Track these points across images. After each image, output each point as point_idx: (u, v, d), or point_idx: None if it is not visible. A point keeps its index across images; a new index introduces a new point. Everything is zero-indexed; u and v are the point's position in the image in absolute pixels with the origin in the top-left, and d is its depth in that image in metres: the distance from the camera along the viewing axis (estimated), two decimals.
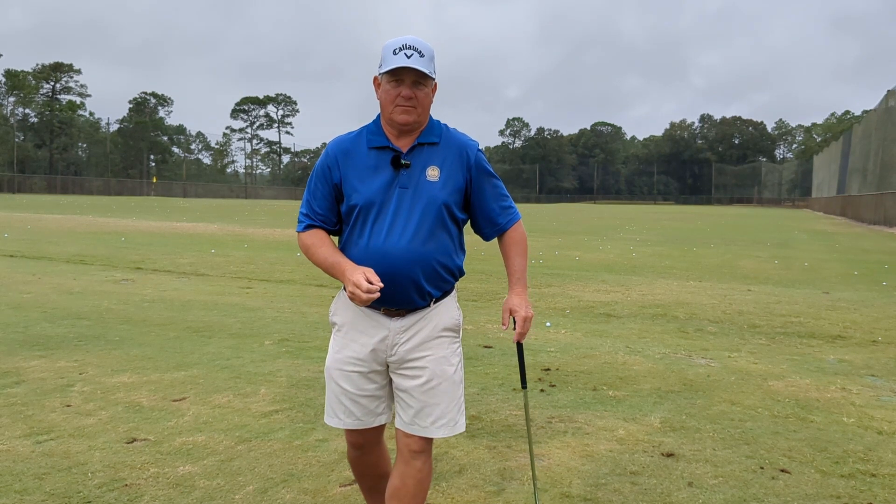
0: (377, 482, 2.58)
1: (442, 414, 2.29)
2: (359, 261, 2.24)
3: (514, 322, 2.39)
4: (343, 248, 2.34)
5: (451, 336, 2.36)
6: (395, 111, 2.21)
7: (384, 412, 2.40)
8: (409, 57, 2.15)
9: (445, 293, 2.37)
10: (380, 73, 2.24)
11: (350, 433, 2.43)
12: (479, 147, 2.40)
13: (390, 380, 2.38)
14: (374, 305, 2.28)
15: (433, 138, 2.30)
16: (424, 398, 2.28)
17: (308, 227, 2.36)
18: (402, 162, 2.24)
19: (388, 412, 2.42)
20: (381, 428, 2.45)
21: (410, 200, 2.24)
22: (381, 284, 2.13)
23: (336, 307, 2.41)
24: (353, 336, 2.34)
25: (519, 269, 2.41)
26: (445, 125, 2.38)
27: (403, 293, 2.25)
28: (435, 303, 2.34)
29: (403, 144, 2.28)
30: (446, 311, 2.36)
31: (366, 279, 2.11)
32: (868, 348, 6.40)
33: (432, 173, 2.27)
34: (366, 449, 2.47)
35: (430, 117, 2.33)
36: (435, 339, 2.32)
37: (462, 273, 2.42)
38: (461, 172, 2.31)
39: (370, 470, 2.55)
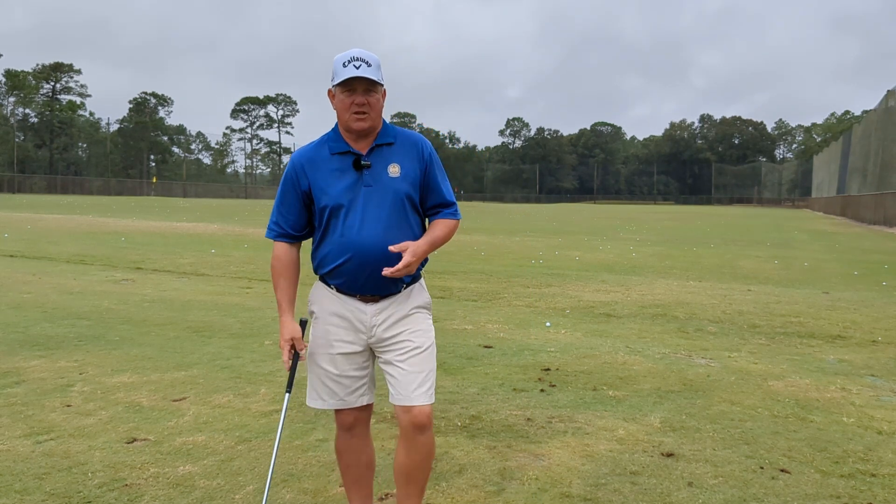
0: (363, 472, 2.70)
1: (423, 381, 2.48)
2: (336, 254, 2.47)
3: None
4: (320, 244, 2.53)
5: (424, 312, 2.60)
6: (351, 118, 2.42)
7: (366, 393, 2.60)
8: (357, 68, 2.37)
9: (414, 279, 2.59)
10: (333, 86, 2.45)
11: (341, 415, 2.60)
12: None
13: (372, 362, 2.60)
14: (350, 293, 2.51)
15: (388, 139, 2.52)
16: (407, 367, 2.48)
17: (277, 236, 2.58)
18: (363, 163, 2.45)
19: (370, 394, 2.62)
20: (368, 409, 2.63)
21: (376, 196, 2.45)
22: (289, 365, 2.53)
23: (313, 297, 2.61)
24: (332, 321, 2.54)
25: (437, 236, 2.54)
26: (397, 126, 2.60)
27: (378, 281, 2.46)
28: (405, 287, 2.55)
29: (362, 147, 2.49)
30: (417, 293, 2.59)
31: (288, 350, 2.52)
32: (868, 348, 6.40)
33: (393, 170, 2.49)
34: (355, 430, 2.62)
35: (383, 120, 2.55)
36: (409, 315, 2.54)
37: (427, 260, 2.59)
38: (418, 165, 2.54)
39: (357, 457, 2.66)
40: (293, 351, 2.53)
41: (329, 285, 2.55)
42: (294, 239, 2.57)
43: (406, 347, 2.49)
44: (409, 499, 2.60)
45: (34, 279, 9.71)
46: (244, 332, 6.50)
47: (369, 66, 2.38)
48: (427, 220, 2.66)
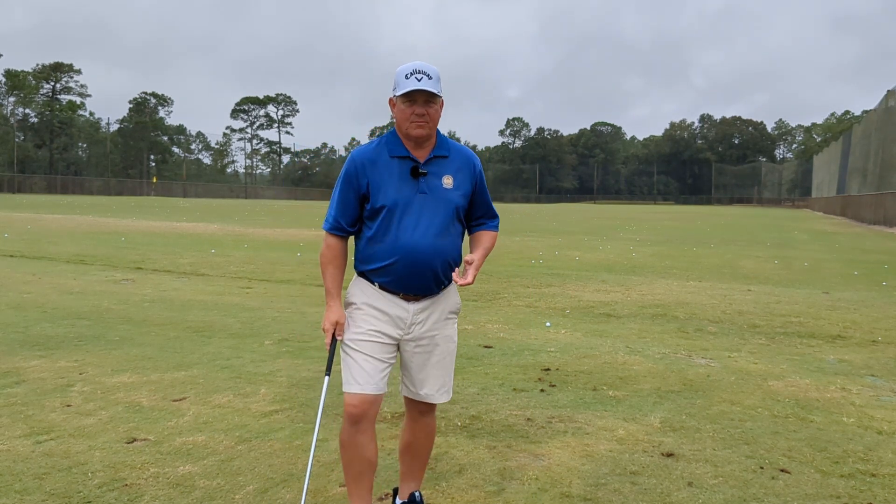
0: (365, 468, 2.75)
1: (444, 383, 2.77)
2: (387, 253, 2.60)
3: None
4: (370, 242, 2.65)
5: (454, 318, 2.82)
6: (411, 127, 2.57)
7: (384, 381, 2.70)
8: (419, 80, 2.52)
9: (450, 280, 2.75)
10: (394, 96, 2.59)
11: (350, 406, 2.65)
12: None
13: (395, 355, 2.74)
14: (395, 291, 2.65)
15: (444, 152, 2.69)
16: (431, 370, 2.73)
17: (333, 228, 2.71)
18: (421, 171, 2.61)
19: (386, 384, 2.72)
20: (377, 403, 2.70)
21: (431, 203, 2.62)
22: (329, 346, 2.69)
23: (354, 290, 2.74)
24: (373, 313, 2.67)
25: (487, 248, 2.80)
26: (450, 139, 2.77)
27: (425, 282, 2.64)
28: (444, 288, 2.74)
29: (419, 155, 2.64)
30: (452, 296, 2.79)
31: (331, 334, 2.66)
32: (868, 348, 6.40)
33: (447, 181, 2.66)
34: (361, 425, 2.68)
35: (438, 132, 2.69)
36: (444, 320, 2.75)
37: (460, 263, 2.78)
38: (469, 181, 2.73)
39: (361, 451, 2.71)
40: (334, 336, 2.68)
41: (372, 282, 2.66)
42: (346, 234, 2.71)
43: (436, 351, 2.72)
44: (412, 473, 2.91)
45: (34, 279, 9.71)
46: (244, 332, 6.50)
47: (430, 78, 2.54)
48: (469, 230, 2.86)
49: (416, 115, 2.54)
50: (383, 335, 2.66)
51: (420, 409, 2.81)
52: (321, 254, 2.74)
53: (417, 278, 2.61)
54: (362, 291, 2.69)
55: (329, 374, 2.76)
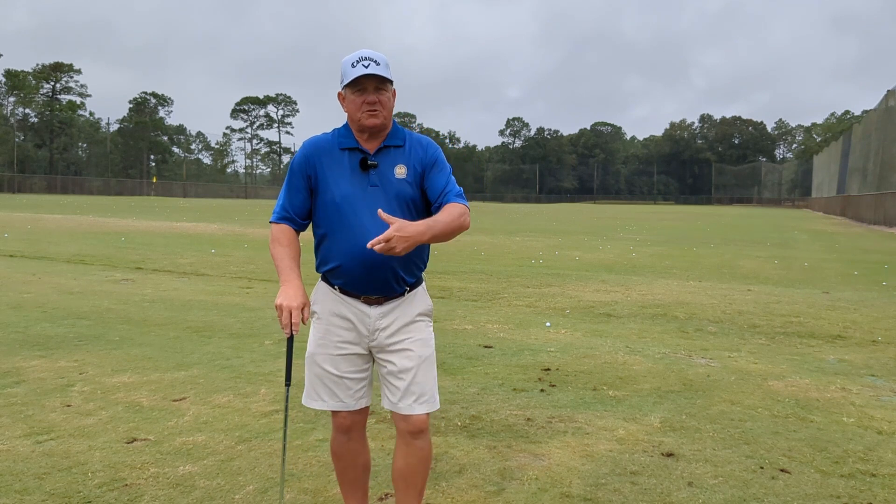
0: (359, 474, 2.69)
1: (423, 392, 2.48)
2: (340, 252, 2.44)
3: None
4: (323, 240, 2.50)
5: (426, 320, 2.57)
6: (364, 117, 2.40)
7: (364, 396, 2.58)
8: (366, 67, 2.35)
9: (417, 281, 2.57)
10: (343, 88, 2.44)
11: (339, 417, 2.56)
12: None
13: (371, 365, 2.58)
14: (355, 293, 2.48)
15: (398, 141, 2.50)
16: (408, 377, 2.47)
17: (281, 218, 2.53)
18: (370, 163, 2.44)
19: (368, 396, 2.60)
20: (365, 411, 2.61)
21: (382, 196, 2.43)
22: (298, 330, 2.38)
23: (315, 297, 2.57)
24: (335, 321, 2.50)
25: (437, 220, 2.33)
26: (408, 130, 2.59)
27: (383, 281, 2.45)
28: (409, 291, 2.54)
29: (371, 147, 2.47)
30: (420, 298, 2.57)
31: (289, 316, 2.34)
32: (868, 348, 6.40)
33: (400, 171, 2.46)
34: (352, 434, 2.59)
35: (394, 122, 2.53)
36: (413, 323, 2.52)
37: (426, 261, 2.61)
38: (419, 165, 2.50)
39: (353, 459, 2.64)
40: (290, 330, 2.37)
41: (332, 286, 2.51)
42: (297, 225, 2.53)
43: (407, 357, 2.47)
44: (408, 501, 2.59)
45: (34, 279, 9.71)
46: (244, 332, 6.49)
47: (378, 64, 2.37)
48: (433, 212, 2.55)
49: (368, 104, 2.38)
50: (347, 344, 2.49)
51: (411, 431, 2.50)
52: (271, 244, 2.50)
53: (374, 277, 2.42)
54: (324, 296, 2.53)
55: (290, 384, 2.51)
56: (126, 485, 3.16)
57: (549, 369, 5.36)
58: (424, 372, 2.49)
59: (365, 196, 2.41)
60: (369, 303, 2.48)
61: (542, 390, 4.80)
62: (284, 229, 2.51)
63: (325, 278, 2.54)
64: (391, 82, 2.44)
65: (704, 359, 5.85)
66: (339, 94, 2.48)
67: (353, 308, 2.48)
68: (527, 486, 3.22)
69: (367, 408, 2.61)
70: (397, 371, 2.48)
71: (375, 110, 2.39)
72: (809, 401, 4.66)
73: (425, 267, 2.61)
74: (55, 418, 4.02)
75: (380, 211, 2.28)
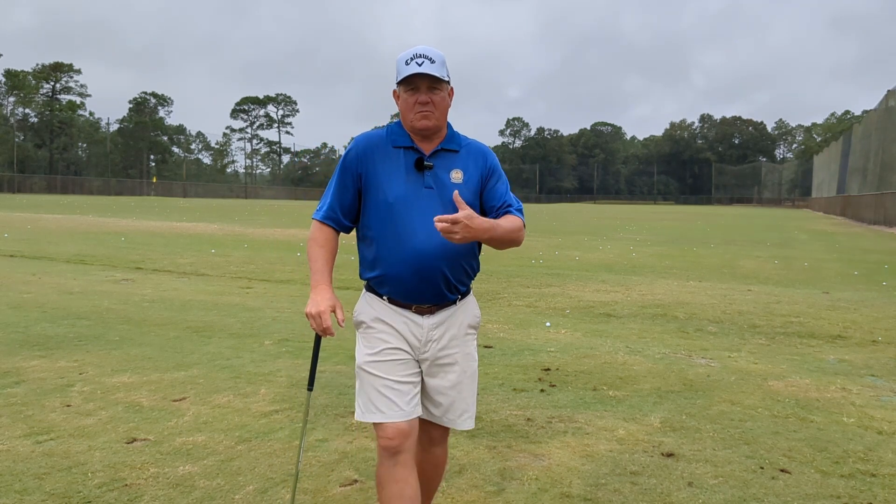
0: None
1: (467, 407, 2.45)
2: (391, 257, 2.31)
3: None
4: (373, 244, 2.36)
5: (474, 333, 2.51)
6: (415, 118, 2.29)
7: (419, 403, 2.39)
8: (420, 65, 2.23)
9: (468, 290, 2.48)
10: (397, 85, 2.32)
11: (386, 439, 2.30)
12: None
13: (420, 371, 2.41)
14: (406, 303, 2.35)
15: (454, 146, 2.39)
16: (454, 394, 2.41)
17: (325, 218, 2.41)
18: (426, 163, 2.32)
19: (419, 408, 2.40)
20: (416, 426, 2.37)
21: (438, 199, 2.31)
22: (334, 332, 2.29)
23: (362, 307, 2.44)
24: (386, 330, 2.36)
25: (500, 224, 2.29)
26: (463, 136, 2.47)
27: (435, 288, 2.34)
28: (461, 299, 2.44)
29: (426, 148, 2.35)
30: (470, 308, 2.49)
31: (320, 321, 2.25)
32: (868, 348, 6.40)
33: (456, 175, 2.35)
34: (401, 457, 2.30)
35: (450, 126, 2.41)
36: (462, 336, 2.44)
37: (477, 271, 2.50)
38: (478, 174, 2.39)
39: (402, 488, 2.30)
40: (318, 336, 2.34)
41: (380, 296, 2.38)
42: (341, 227, 2.40)
43: (455, 371, 2.40)
44: None
45: (34, 279, 9.71)
46: (244, 332, 6.49)
47: (433, 62, 2.25)
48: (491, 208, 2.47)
49: (420, 105, 2.26)
50: (401, 351, 2.34)
51: (431, 437, 2.46)
52: (308, 239, 2.42)
53: (427, 284, 2.31)
54: (370, 307, 2.39)
55: (311, 389, 2.44)
56: (126, 485, 3.16)
57: (549, 369, 5.36)
58: (468, 388, 2.44)
59: (419, 198, 2.30)
60: (421, 312, 2.36)
61: (542, 390, 4.79)
62: (325, 230, 2.39)
63: (371, 287, 2.42)
64: (447, 82, 2.32)
65: (704, 359, 5.85)
66: (394, 91, 2.36)
67: (405, 318, 2.36)
68: (527, 487, 3.22)
69: (416, 424, 2.37)
70: (446, 386, 2.40)
71: (428, 111, 2.27)
72: (809, 401, 4.66)
73: (475, 276, 2.50)
74: (55, 418, 4.02)
75: (455, 193, 2.19)
